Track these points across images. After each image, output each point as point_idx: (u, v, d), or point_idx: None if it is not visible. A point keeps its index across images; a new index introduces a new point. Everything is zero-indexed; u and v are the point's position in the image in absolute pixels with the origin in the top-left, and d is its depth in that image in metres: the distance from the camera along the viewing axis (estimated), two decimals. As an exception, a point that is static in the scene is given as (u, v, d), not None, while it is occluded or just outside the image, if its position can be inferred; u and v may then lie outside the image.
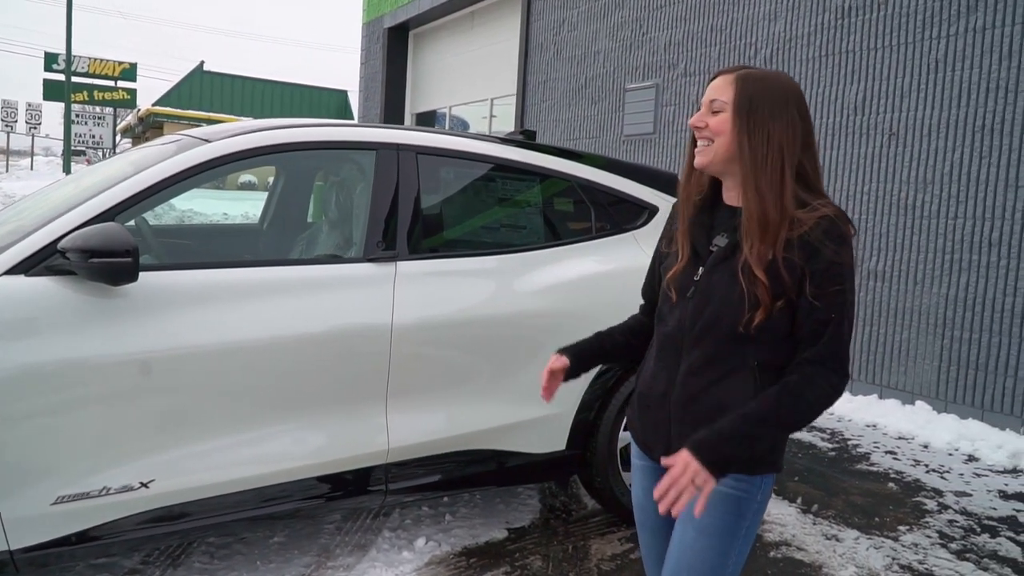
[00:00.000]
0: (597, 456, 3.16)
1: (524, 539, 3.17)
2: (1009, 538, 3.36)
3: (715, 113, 1.50)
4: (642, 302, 1.82)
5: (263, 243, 3.87)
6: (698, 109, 1.53)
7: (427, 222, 2.95)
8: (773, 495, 3.69)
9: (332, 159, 3.23)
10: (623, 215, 3.38)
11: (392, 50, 13.28)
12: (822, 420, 5.12)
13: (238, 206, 13.00)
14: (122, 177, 2.51)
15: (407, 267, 2.80)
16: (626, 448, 3.25)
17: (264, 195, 4.09)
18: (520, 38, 9.60)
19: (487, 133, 4.59)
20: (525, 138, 3.42)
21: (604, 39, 8.13)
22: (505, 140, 3.27)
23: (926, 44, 5.03)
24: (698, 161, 1.53)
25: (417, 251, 2.85)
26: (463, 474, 2.94)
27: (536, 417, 3.02)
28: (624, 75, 7.83)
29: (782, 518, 3.45)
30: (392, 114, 13.19)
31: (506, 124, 10.33)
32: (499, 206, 3.24)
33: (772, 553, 3.12)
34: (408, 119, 13.39)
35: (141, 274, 2.32)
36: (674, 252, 1.59)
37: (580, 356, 1.74)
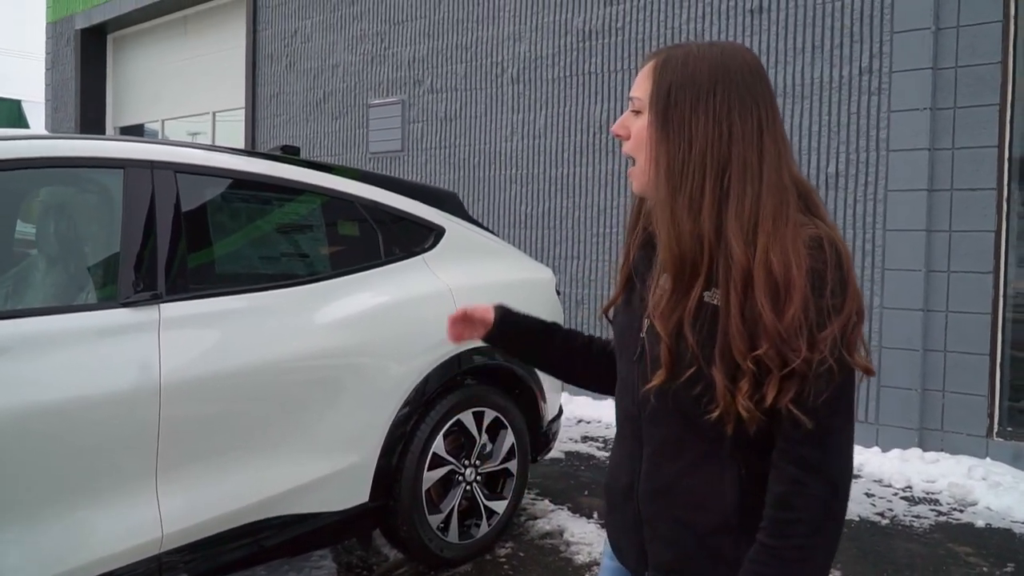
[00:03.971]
0: (402, 503, 2.87)
1: (326, 609, 2.79)
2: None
3: (637, 114, 1.12)
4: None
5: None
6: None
7: (193, 255, 2.46)
8: (570, 514, 3.67)
9: (58, 179, 2.57)
10: (411, 238, 3.14)
11: (87, 55, 11.63)
12: (599, 430, 5.26)
13: None
14: None
15: (173, 310, 2.30)
16: (431, 489, 3.01)
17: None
18: (247, 48, 8.89)
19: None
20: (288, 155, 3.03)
21: (343, 52, 7.79)
22: (280, 158, 2.85)
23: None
24: (633, 186, 1.15)
25: (183, 290, 2.36)
26: (256, 549, 2.50)
27: (337, 470, 2.68)
28: (367, 90, 7.55)
29: (586, 536, 3.41)
30: (90, 128, 11.54)
31: (233, 141, 9.49)
32: (278, 233, 2.83)
33: (586, 575, 3.07)
34: (111, 134, 11.82)
35: None
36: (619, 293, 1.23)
37: (508, 319, 1.37)
